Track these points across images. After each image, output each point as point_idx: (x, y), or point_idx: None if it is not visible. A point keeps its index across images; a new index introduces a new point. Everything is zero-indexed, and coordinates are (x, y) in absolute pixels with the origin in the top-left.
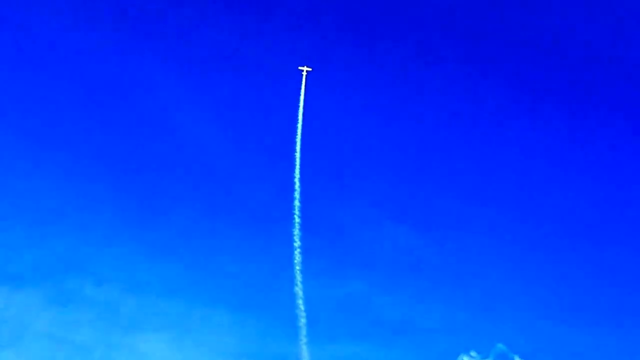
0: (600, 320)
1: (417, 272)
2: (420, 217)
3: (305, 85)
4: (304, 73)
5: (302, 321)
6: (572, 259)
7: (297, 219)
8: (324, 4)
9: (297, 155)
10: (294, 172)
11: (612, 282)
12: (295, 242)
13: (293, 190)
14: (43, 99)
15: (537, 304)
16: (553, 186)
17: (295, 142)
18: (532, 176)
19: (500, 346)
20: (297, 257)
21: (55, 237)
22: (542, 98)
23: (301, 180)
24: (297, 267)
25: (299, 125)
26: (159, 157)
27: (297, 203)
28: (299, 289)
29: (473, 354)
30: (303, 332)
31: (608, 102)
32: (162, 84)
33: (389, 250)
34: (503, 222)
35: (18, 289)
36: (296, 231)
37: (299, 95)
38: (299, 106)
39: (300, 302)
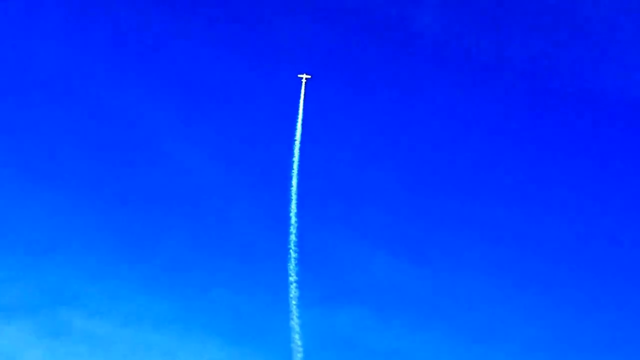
0: (595, 353)
1: (413, 305)
2: (417, 250)
3: (305, 94)
4: (304, 80)
5: (299, 356)
6: (569, 297)
7: (293, 253)
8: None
9: (294, 189)
10: (290, 205)
11: (612, 325)
12: (291, 276)
13: (289, 224)
14: (34, 129)
15: (532, 340)
16: (550, 221)
17: (291, 177)
18: (529, 211)
19: None
20: (293, 291)
21: (47, 269)
22: (545, 130)
23: (297, 214)
24: (294, 302)
25: (295, 160)
26: (152, 188)
27: (293, 237)
28: (295, 323)
29: None
30: None
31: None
32: (155, 114)
33: (386, 284)
34: (499, 257)
35: (9, 321)
36: (292, 265)
37: (295, 126)
38: (294, 139)
39: (296, 336)
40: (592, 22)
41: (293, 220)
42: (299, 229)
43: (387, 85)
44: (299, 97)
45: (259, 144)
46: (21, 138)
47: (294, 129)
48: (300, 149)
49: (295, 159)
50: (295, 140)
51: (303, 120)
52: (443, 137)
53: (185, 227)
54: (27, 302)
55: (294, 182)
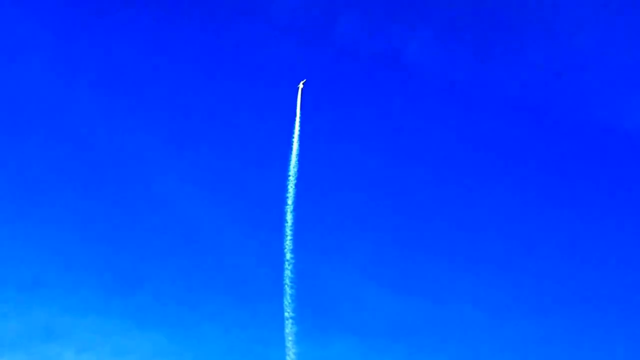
0: None
1: (407, 337)
2: (410, 283)
3: (301, 103)
4: (300, 86)
5: None
6: (560, 326)
7: (288, 290)
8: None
9: (288, 224)
10: (284, 242)
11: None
12: (287, 312)
13: (284, 260)
14: (23, 165)
15: None
16: (539, 253)
17: (285, 212)
18: (519, 244)
19: None
20: (289, 327)
21: (38, 304)
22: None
23: (293, 250)
24: (289, 337)
25: (290, 195)
26: (143, 224)
27: (288, 273)
28: None
29: None
30: None
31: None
32: (144, 147)
33: (381, 317)
34: (490, 289)
35: (0, 356)
36: (287, 301)
37: (289, 165)
38: (288, 176)
39: None
40: (585, 54)
41: (288, 256)
42: (294, 264)
43: (379, 117)
44: (291, 136)
45: (252, 179)
46: (11, 174)
47: (288, 164)
48: (295, 185)
49: (290, 194)
50: (289, 176)
51: (298, 153)
52: (434, 167)
53: (177, 262)
54: (18, 337)
55: (289, 217)
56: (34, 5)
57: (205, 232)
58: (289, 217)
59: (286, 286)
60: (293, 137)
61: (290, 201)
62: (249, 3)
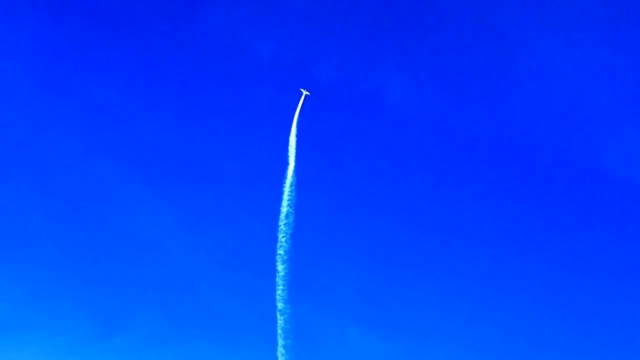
0: None
1: None
2: (407, 332)
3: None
4: (303, 96)
5: None
6: None
7: (281, 340)
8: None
9: (280, 274)
10: (277, 292)
11: None
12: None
13: (275, 309)
14: (3, 205)
15: None
16: (526, 304)
17: (276, 262)
18: (504, 288)
19: None
20: None
21: (19, 347)
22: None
23: (287, 300)
24: None
25: (280, 244)
26: (128, 266)
27: (280, 322)
28: None
29: None
30: None
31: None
32: (131, 190)
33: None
34: (477, 333)
35: None
36: (281, 351)
37: (279, 208)
38: (278, 225)
39: None
40: (567, 96)
41: (280, 306)
42: (287, 314)
43: (361, 161)
44: (282, 182)
45: (241, 220)
46: None
47: (278, 212)
48: (285, 232)
49: (280, 243)
50: (279, 226)
51: (288, 201)
52: (415, 211)
53: (163, 308)
54: None
55: (280, 267)
56: (14, 41)
57: (194, 278)
58: (280, 266)
59: (279, 336)
60: (284, 184)
61: (281, 250)
62: (227, 44)
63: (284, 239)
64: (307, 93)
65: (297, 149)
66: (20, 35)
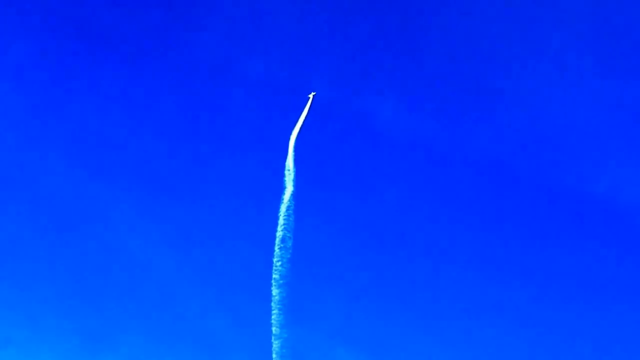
0: None
1: None
2: (388, 352)
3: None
4: (311, 98)
5: None
6: None
7: (275, 356)
8: None
9: (276, 298)
10: (271, 316)
11: None
12: None
13: (270, 334)
14: None
15: None
16: (514, 334)
17: (271, 285)
18: (492, 316)
19: None
20: None
21: None
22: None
23: (282, 324)
24: None
25: (276, 259)
26: (116, 286)
27: (275, 347)
28: None
29: None
30: None
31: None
32: (119, 208)
33: None
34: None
35: None
36: None
37: (275, 233)
38: (273, 249)
39: None
40: (556, 117)
41: (275, 330)
42: (283, 339)
43: (351, 182)
44: (276, 217)
45: (238, 249)
46: None
47: (274, 236)
48: (281, 256)
49: (276, 267)
50: (274, 248)
51: (284, 224)
52: (411, 235)
53: (151, 329)
54: None
55: (275, 291)
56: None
57: (186, 301)
58: (275, 290)
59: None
60: (281, 207)
61: (276, 275)
62: (217, 64)
63: (279, 262)
64: (314, 93)
65: (295, 164)
66: (8, 55)
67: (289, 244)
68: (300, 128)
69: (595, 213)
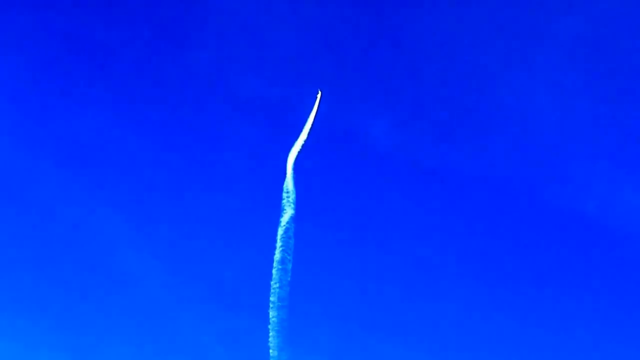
0: None
1: None
2: None
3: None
4: (319, 96)
5: None
6: None
7: None
8: None
9: (273, 320)
10: (269, 340)
11: None
12: None
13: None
14: None
15: None
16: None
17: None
18: (484, 336)
19: None
20: None
21: None
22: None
23: (278, 347)
24: None
25: (274, 282)
26: (110, 308)
27: None
28: None
29: None
30: None
31: None
32: (114, 230)
33: None
34: None
35: None
36: None
37: (273, 257)
38: (273, 260)
39: None
40: (551, 138)
41: (273, 352)
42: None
43: (346, 201)
44: (276, 225)
45: (235, 271)
46: None
47: (272, 257)
48: (278, 278)
49: (273, 289)
50: (272, 272)
51: (282, 246)
52: (410, 256)
53: (141, 347)
54: None
55: (272, 314)
56: None
57: (182, 325)
58: (272, 313)
59: None
60: (279, 228)
61: (273, 297)
62: (212, 82)
63: (277, 285)
64: (321, 92)
65: (294, 186)
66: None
67: (288, 266)
68: (304, 142)
69: (585, 232)
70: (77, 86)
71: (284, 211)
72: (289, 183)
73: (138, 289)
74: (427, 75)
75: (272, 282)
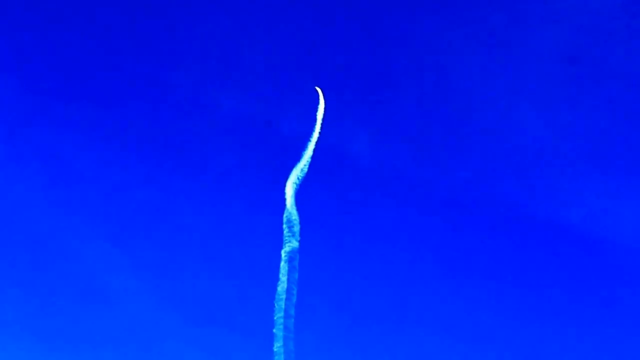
0: None
1: None
2: None
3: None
4: (320, 94)
5: None
6: None
7: None
8: None
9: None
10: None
11: None
12: None
13: None
14: None
15: None
16: None
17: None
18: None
19: None
20: None
21: None
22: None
23: None
24: None
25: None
26: (88, 324)
27: None
28: None
29: None
30: None
31: None
32: (91, 245)
33: None
34: None
35: None
36: None
37: (275, 291)
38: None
39: None
40: (530, 150)
41: None
42: None
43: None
44: (278, 251)
45: (236, 320)
46: None
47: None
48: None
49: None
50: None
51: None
52: (382, 265)
53: None
54: None
55: (276, 345)
56: None
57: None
58: (277, 344)
59: None
60: (281, 257)
61: (278, 330)
62: (192, 100)
63: (280, 314)
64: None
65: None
66: None
67: (293, 299)
68: (306, 166)
69: (570, 243)
70: (50, 109)
71: (286, 242)
72: (292, 210)
73: (136, 324)
74: (409, 89)
75: (275, 315)
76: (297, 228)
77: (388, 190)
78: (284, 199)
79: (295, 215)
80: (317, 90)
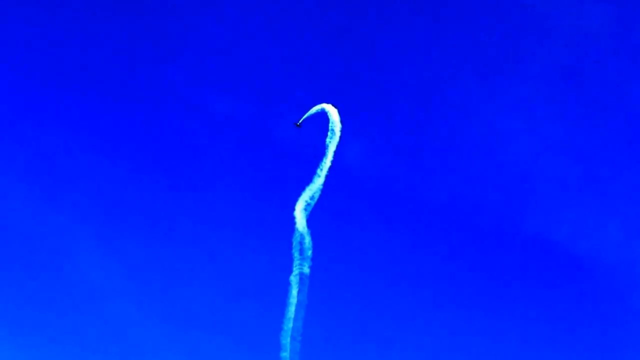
0: None
1: None
2: None
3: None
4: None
5: None
6: None
7: None
8: None
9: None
10: None
11: None
12: None
13: None
14: None
15: None
16: None
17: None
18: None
19: None
20: None
21: None
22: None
23: None
24: None
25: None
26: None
27: None
28: None
29: None
30: None
31: None
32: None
33: None
34: None
35: None
36: None
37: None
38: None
39: None
40: (517, 163)
41: None
42: None
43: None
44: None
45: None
46: None
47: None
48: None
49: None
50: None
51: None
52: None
53: None
54: None
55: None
56: None
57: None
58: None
59: None
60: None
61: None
62: (183, 102)
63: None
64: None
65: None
66: None
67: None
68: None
69: (553, 260)
70: (40, 109)
71: (299, 267)
72: (304, 233)
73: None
74: (398, 101)
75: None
76: (309, 252)
77: (378, 200)
78: (293, 215)
79: (309, 242)
80: (326, 110)
